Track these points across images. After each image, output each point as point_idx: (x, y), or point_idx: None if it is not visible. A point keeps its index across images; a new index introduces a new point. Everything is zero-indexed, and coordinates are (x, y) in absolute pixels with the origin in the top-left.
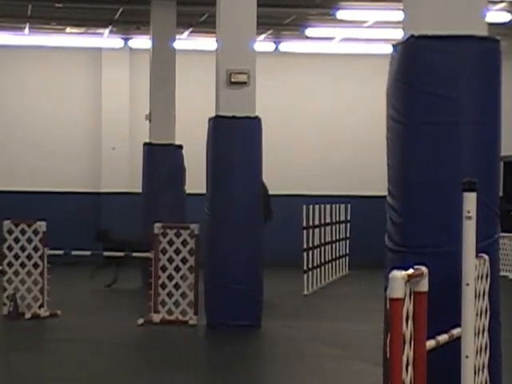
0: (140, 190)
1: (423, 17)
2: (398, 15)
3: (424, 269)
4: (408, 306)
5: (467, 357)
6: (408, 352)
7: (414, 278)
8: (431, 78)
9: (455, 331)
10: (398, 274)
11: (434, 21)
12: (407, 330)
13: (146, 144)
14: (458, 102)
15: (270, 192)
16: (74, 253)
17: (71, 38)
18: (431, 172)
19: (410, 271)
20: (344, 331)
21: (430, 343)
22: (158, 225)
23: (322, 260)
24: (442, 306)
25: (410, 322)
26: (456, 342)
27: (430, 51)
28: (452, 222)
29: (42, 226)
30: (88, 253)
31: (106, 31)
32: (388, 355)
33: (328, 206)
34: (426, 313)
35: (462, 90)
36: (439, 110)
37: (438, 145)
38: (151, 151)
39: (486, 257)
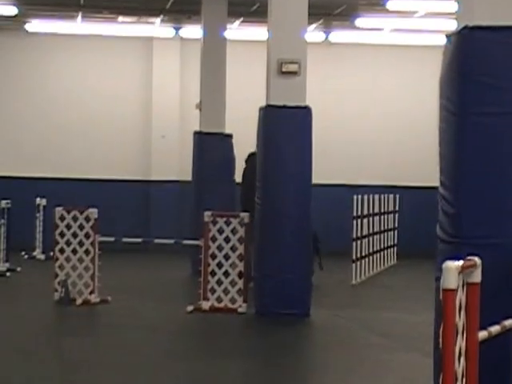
0: (190, 179)
1: (478, 7)
2: (450, 5)
3: (477, 259)
4: (461, 296)
5: None
6: (460, 343)
7: (467, 269)
8: (486, 69)
9: (507, 322)
10: (452, 265)
11: (489, 11)
12: (460, 320)
13: (196, 133)
14: None
15: (319, 181)
16: (124, 240)
17: (123, 27)
18: (485, 163)
19: (464, 262)
20: (393, 321)
21: (483, 334)
22: (208, 213)
23: (371, 250)
24: (494, 297)
25: (462, 312)
26: (509, 333)
27: (484, 42)
28: (505, 214)
29: (93, 213)
30: (139, 240)
31: (158, 20)
32: (440, 345)
33: (377, 197)
34: (478, 304)
35: None
36: (494, 101)
37: (492, 136)
38: (201, 140)
39: None
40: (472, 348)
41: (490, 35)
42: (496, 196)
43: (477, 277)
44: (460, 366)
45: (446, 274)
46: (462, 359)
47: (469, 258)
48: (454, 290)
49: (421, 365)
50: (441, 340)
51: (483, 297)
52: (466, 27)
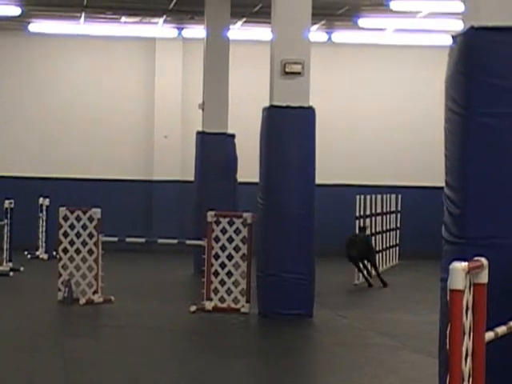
0: (192, 179)
1: (484, 8)
2: (453, 6)
3: (484, 260)
4: (468, 297)
5: None
6: (467, 343)
7: (474, 270)
8: (492, 70)
9: None
10: (459, 266)
11: (495, 12)
12: (467, 321)
13: (198, 133)
14: None
15: (322, 181)
16: (128, 240)
17: (126, 28)
18: (491, 163)
19: (471, 263)
20: (396, 321)
21: (489, 335)
22: (211, 213)
23: None
24: (500, 298)
25: (469, 313)
26: None
27: (490, 43)
28: (511, 214)
29: (96, 212)
30: (142, 240)
31: (161, 21)
32: (448, 346)
33: (379, 196)
34: (485, 304)
35: None
36: (499, 102)
37: (498, 136)
38: (204, 140)
39: None
40: (479, 348)
41: (496, 36)
42: (501, 197)
43: (484, 277)
44: (467, 367)
45: (453, 274)
46: (469, 360)
47: (476, 258)
48: (461, 291)
49: (425, 365)
50: (448, 341)
51: (489, 297)
52: (472, 28)
